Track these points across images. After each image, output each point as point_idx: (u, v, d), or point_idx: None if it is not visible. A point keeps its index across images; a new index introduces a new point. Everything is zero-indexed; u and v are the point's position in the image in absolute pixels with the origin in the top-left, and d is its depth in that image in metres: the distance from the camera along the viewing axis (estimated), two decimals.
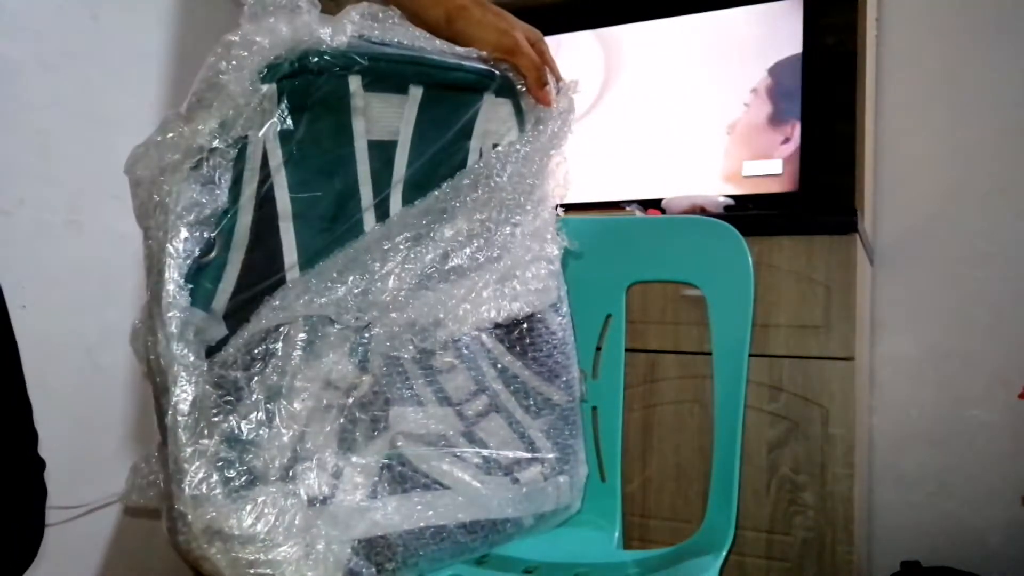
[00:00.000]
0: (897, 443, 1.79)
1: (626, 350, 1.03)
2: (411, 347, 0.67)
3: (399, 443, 0.66)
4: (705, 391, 1.45)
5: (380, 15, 0.69)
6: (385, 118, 0.70)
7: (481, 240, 0.71)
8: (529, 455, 0.74)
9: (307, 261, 0.66)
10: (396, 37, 0.70)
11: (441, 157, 0.74)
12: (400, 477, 0.66)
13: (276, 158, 0.64)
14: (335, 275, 0.65)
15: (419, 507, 0.66)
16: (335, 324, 0.65)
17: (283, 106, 0.64)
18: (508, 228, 0.73)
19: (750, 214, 1.55)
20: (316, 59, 0.65)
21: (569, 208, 1.89)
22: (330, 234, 0.67)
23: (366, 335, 0.65)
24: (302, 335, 0.63)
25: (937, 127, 1.85)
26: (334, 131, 0.68)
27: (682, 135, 1.87)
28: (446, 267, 0.69)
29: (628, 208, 1.72)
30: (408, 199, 0.72)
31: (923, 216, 1.83)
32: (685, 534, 0.96)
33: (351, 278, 0.65)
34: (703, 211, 1.62)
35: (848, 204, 1.68)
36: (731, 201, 1.67)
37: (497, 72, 0.78)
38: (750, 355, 0.92)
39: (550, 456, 0.76)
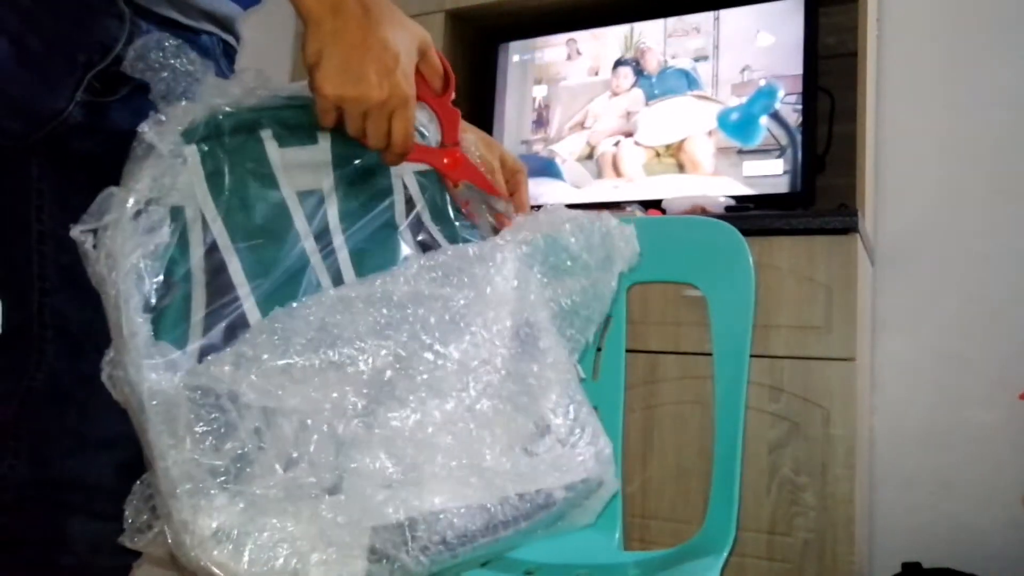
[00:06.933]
0: (898, 444, 1.79)
1: (627, 351, 1.03)
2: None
3: (397, 440, 0.66)
4: (706, 392, 1.45)
5: (271, 82, 0.74)
6: (303, 170, 0.75)
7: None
8: (538, 428, 0.74)
9: (261, 293, 0.70)
10: (292, 92, 0.75)
11: (367, 196, 0.78)
12: (411, 464, 0.66)
13: (211, 213, 0.70)
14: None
15: (435, 489, 0.66)
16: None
17: (207, 166, 0.70)
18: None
19: (751, 214, 1.55)
20: (223, 118, 0.71)
21: (570, 209, 1.90)
22: (276, 263, 0.71)
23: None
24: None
25: (937, 127, 1.85)
26: (262, 186, 0.73)
27: (682, 135, 1.87)
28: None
29: (628, 208, 1.72)
30: (346, 231, 0.75)
31: (924, 216, 1.83)
32: (686, 535, 0.96)
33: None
34: (704, 211, 1.62)
35: (849, 204, 1.68)
36: (732, 201, 1.67)
37: None
38: (751, 356, 0.92)
39: (562, 426, 0.75)
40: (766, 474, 1.41)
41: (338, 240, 0.74)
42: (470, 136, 0.86)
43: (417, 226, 0.79)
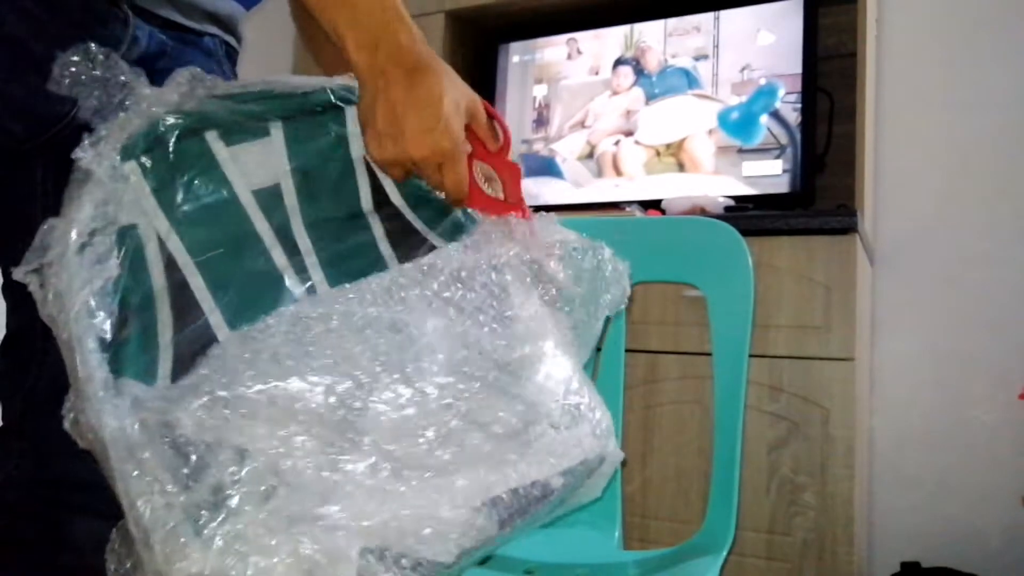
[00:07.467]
0: (897, 444, 1.79)
1: (626, 351, 1.04)
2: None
3: (382, 447, 0.63)
4: (705, 392, 1.45)
5: (207, 80, 0.70)
6: (258, 166, 0.70)
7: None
8: (528, 419, 0.70)
9: (227, 307, 0.66)
10: (235, 88, 0.70)
11: (330, 183, 0.74)
12: (396, 474, 0.63)
13: (165, 229, 0.66)
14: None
15: (424, 501, 0.62)
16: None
17: (151, 180, 0.66)
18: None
19: (750, 214, 1.55)
20: (164, 127, 0.66)
21: (569, 209, 1.90)
22: (242, 277, 0.68)
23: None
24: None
25: (937, 127, 1.85)
26: (213, 191, 0.68)
27: (682, 134, 1.87)
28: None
29: (628, 208, 1.73)
30: (311, 226, 0.71)
31: (923, 216, 1.83)
32: (685, 535, 0.96)
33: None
34: (703, 211, 1.62)
35: (848, 204, 1.68)
36: (731, 201, 1.67)
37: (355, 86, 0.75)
38: (750, 355, 0.92)
39: (554, 410, 0.71)
40: (765, 474, 1.41)
41: (301, 235, 0.71)
42: None
43: (385, 205, 0.75)
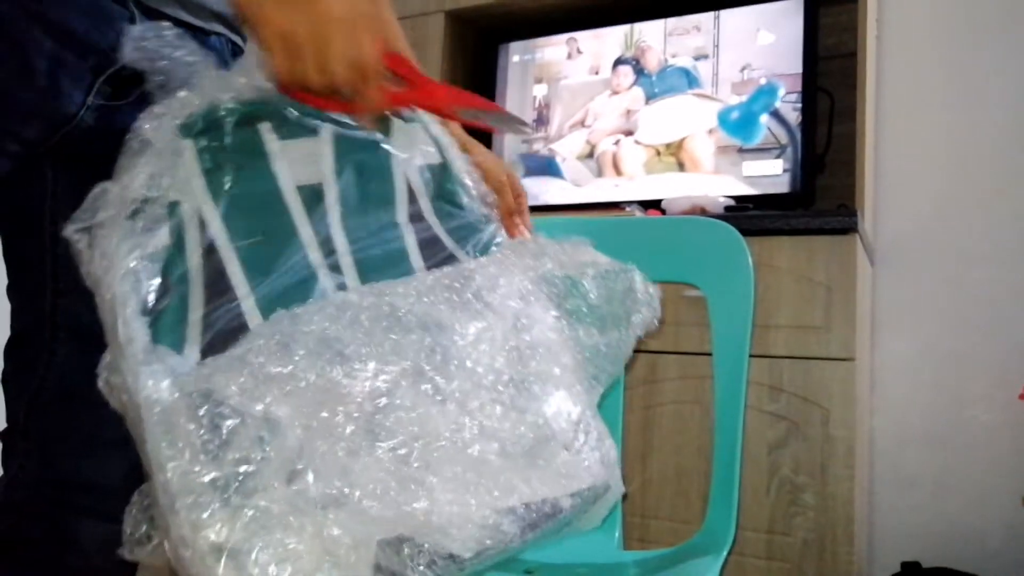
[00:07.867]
0: (897, 444, 1.79)
1: None
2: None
3: (406, 446, 0.64)
4: (705, 392, 1.45)
5: None
6: (304, 163, 0.71)
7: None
8: (544, 435, 0.71)
9: (261, 295, 0.66)
10: None
11: (369, 190, 0.74)
12: (427, 467, 0.63)
13: (209, 210, 0.66)
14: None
15: (452, 495, 0.63)
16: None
17: (204, 161, 0.67)
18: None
19: (750, 214, 1.55)
20: (223, 111, 0.68)
21: (569, 209, 1.90)
22: (276, 262, 0.68)
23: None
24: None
25: (937, 127, 1.85)
26: (260, 181, 0.69)
27: (682, 133, 1.87)
28: None
29: (628, 208, 1.72)
30: (348, 228, 0.72)
31: (923, 216, 1.83)
32: (685, 535, 0.96)
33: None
34: (703, 212, 1.62)
35: (848, 204, 1.68)
36: (731, 201, 1.67)
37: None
38: (750, 355, 0.92)
39: (567, 431, 0.73)
40: (766, 474, 1.41)
41: (339, 235, 0.71)
42: (481, 149, 0.85)
43: (419, 221, 0.76)
